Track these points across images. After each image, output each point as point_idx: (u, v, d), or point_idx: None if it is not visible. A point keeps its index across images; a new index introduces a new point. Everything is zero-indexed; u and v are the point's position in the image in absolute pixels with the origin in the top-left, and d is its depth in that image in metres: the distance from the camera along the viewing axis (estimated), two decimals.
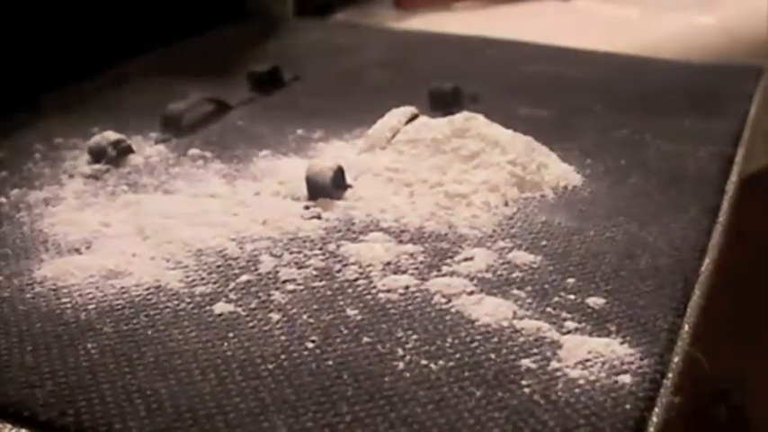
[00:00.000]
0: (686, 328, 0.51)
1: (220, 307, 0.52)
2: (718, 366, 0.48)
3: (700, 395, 0.49)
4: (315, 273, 0.56)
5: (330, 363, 0.48)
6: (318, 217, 0.61)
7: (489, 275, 0.55)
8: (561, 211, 0.62)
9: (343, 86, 0.88)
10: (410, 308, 0.52)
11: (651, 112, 0.80)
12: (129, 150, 0.72)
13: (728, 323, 0.56)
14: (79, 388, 0.46)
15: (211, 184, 0.67)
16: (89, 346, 0.49)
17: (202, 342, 0.49)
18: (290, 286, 0.54)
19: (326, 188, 0.63)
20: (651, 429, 0.45)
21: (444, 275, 0.55)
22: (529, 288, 0.54)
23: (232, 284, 0.54)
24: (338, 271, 0.56)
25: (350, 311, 0.52)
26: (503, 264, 0.56)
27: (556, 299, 0.53)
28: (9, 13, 0.82)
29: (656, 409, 0.45)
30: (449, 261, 0.56)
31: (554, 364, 0.47)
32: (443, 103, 0.79)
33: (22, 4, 0.82)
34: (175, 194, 0.65)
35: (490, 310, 0.52)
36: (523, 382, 0.46)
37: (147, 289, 0.54)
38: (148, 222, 0.61)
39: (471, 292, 0.54)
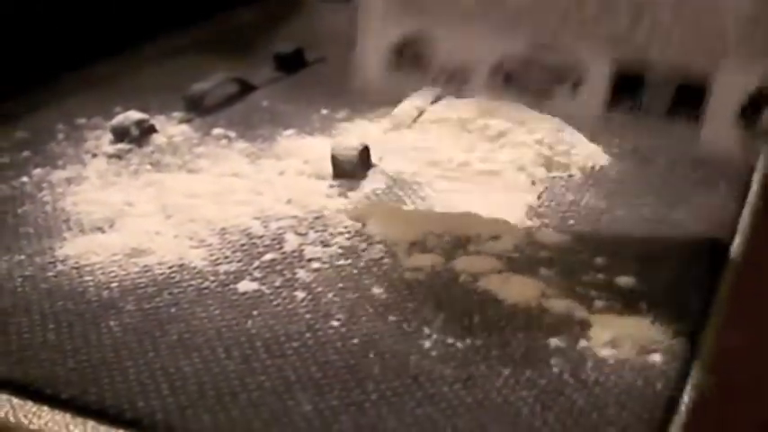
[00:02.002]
0: (718, 307, 0.50)
1: (244, 285, 0.52)
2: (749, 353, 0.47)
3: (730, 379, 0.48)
4: (340, 251, 0.55)
5: (356, 341, 0.47)
6: (344, 196, 0.61)
7: (517, 255, 0.54)
8: (589, 190, 0.61)
9: None
10: (436, 287, 0.52)
11: None
12: (153, 130, 0.71)
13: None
14: (102, 366, 0.45)
15: (235, 163, 0.66)
16: (112, 324, 0.49)
17: (226, 320, 0.49)
18: (314, 264, 0.54)
19: (352, 167, 0.63)
20: (682, 409, 0.44)
21: (471, 254, 0.54)
22: (557, 267, 0.53)
23: (256, 263, 0.54)
24: (363, 250, 0.55)
25: (375, 290, 0.51)
26: (530, 243, 0.56)
27: (585, 278, 0.52)
28: None
29: (687, 389, 0.45)
30: (475, 240, 0.56)
31: (583, 343, 0.47)
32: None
33: None
34: (199, 174, 0.65)
35: (518, 289, 0.51)
36: (552, 362, 0.45)
37: (171, 267, 0.53)
38: (172, 201, 0.60)
39: (499, 271, 0.53)
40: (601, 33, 0.53)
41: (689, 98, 0.53)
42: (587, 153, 0.66)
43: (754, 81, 0.52)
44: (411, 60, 0.56)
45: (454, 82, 0.56)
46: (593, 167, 0.65)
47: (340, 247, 0.55)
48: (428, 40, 0.55)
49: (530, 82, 0.55)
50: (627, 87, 0.53)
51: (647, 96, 0.53)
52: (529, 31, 0.54)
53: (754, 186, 0.62)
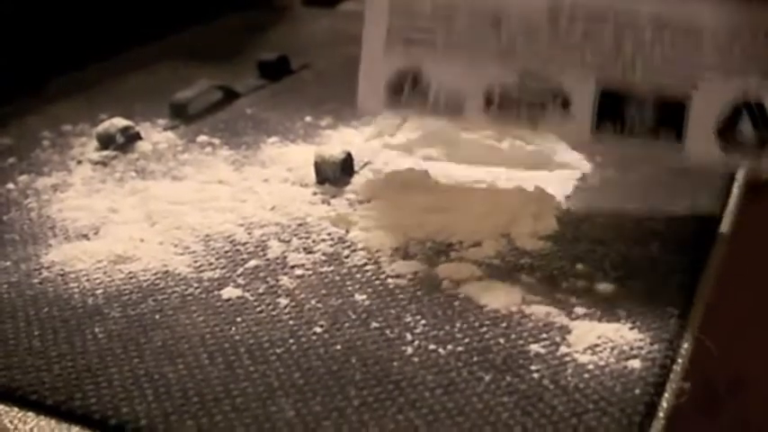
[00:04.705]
0: (696, 313, 0.51)
1: (228, 292, 0.52)
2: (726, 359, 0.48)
3: (708, 384, 0.49)
4: (323, 258, 0.55)
5: (338, 347, 0.48)
6: (327, 203, 0.61)
7: (498, 261, 0.55)
8: (571, 197, 0.62)
9: (351, 74, 0.87)
10: (419, 293, 0.52)
11: None
12: (138, 137, 0.71)
13: (745, 313, 0.55)
14: (86, 372, 0.46)
15: (220, 170, 0.67)
16: (96, 330, 0.49)
17: (210, 326, 0.49)
18: (298, 271, 0.54)
19: (335, 174, 0.63)
20: (660, 414, 0.44)
21: (453, 261, 0.55)
22: (538, 274, 0.54)
23: (240, 270, 0.54)
24: (346, 256, 0.56)
25: (358, 296, 0.52)
26: (511, 249, 0.56)
27: (565, 284, 0.53)
28: None
29: (666, 395, 0.45)
30: (457, 246, 0.56)
31: (563, 350, 0.47)
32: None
33: None
34: (183, 181, 0.65)
35: (499, 296, 0.52)
36: (533, 368, 0.46)
37: (155, 274, 0.54)
38: (156, 208, 0.61)
39: (480, 278, 0.53)
40: (586, 58, 0.57)
41: (672, 115, 0.57)
42: (569, 160, 0.66)
43: (731, 95, 0.56)
44: (411, 89, 0.60)
45: (450, 110, 0.59)
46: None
47: (323, 254, 0.56)
48: (425, 70, 0.59)
49: (520, 110, 0.59)
50: (612, 109, 0.57)
51: (632, 116, 0.57)
52: (518, 60, 0.58)
53: (735, 191, 0.63)
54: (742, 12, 0.55)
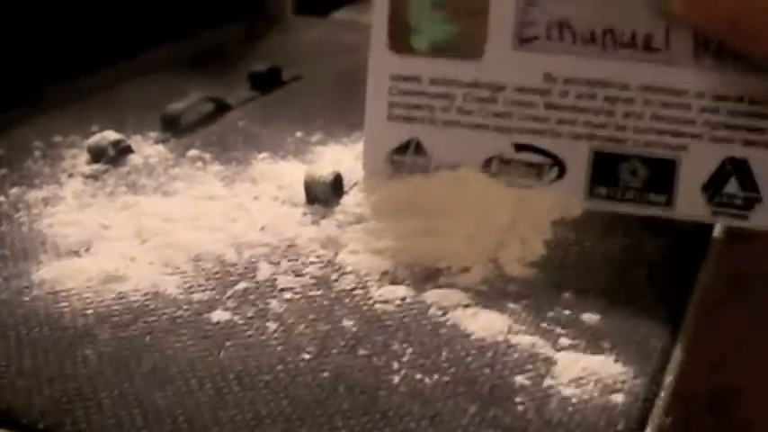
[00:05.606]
0: (680, 347, 0.52)
1: (218, 315, 0.53)
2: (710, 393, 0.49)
3: (690, 420, 0.49)
4: (312, 281, 0.56)
5: (326, 375, 0.48)
6: (317, 224, 0.61)
7: (485, 288, 0.55)
8: (558, 223, 0.62)
9: (343, 86, 0.88)
10: (406, 320, 0.53)
11: None
12: (129, 150, 0.72)
13: (729, 347, 0.56)
14: (77, 396, 0.46)
15: (211, 186, 0.67)
16: (87, 352, 0.49)
17: (200, 351, 0.50)
18: (287, 295, 0.55)
19: (325, 195, 0.64)
20: None
21: (441, 287, 0.55)
22: (524, 302, 0.54)
23: (230, 292, 0.55)
24: (335, 280, 0.56)
25: (346, 322, 0.52)
26: (498, 276, 0.57)
27: (551, 314, 0.53)
28: (10, 7, 0.82)
29: (648, 430, 0.46)
30: (446, 272, 0.57)
31: (548, 382, 0.48)
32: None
33: None
34: (174, 196, 0.66)
35: (485, 324, 0.52)
36: (517, 400, 0.47)
37: (146, 295, 0.54)
38: (147, 225, 0.61)
39: (467, 305, 0.54)
40: (579, 127, 0.60)
41: (662, 176, 0.60)
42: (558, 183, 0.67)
43: (719, 157, 0.58)
44: (413, 158, 0.63)
45: None
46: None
47: (312, 277, 0.56)
48: (425, 143, 0.63)
49: (515, 180, 0.62)
50: (605, 173, 0.61)
51: (624, 179, 0.60)
52: (514, 131, 0.61)
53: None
54: (725, 78, 0.57)
